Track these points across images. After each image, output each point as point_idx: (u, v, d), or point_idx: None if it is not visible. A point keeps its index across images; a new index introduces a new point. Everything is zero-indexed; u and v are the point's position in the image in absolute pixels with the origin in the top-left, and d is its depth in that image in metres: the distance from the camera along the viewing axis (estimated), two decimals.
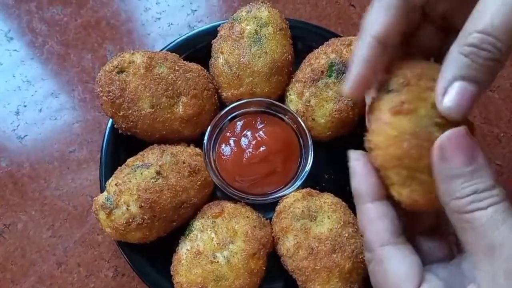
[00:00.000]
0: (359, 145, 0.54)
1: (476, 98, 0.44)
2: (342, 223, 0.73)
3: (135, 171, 0.74)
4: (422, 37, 0.57)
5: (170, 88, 0.78)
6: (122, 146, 0.83)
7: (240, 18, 0.84)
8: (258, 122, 0.84)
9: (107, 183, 0.75)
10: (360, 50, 0.51)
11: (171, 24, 1.04)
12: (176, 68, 0.80)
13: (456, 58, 0.44)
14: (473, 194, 0.43)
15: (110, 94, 0.77)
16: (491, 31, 0.41)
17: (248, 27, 0.83)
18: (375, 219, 0.52)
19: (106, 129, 0.83)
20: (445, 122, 0.46)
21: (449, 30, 0.55)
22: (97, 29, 1.03)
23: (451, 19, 0.55)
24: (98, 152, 0.83)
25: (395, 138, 0.48)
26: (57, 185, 0.91)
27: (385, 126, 0.49)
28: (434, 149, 0.45)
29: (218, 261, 0.71)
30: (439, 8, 0.54)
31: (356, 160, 0.53)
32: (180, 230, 0.77)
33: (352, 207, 0.74)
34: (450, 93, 0.44)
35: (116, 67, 0.78)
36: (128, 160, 0.78)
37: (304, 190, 0.79)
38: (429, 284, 0.49)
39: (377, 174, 0.52)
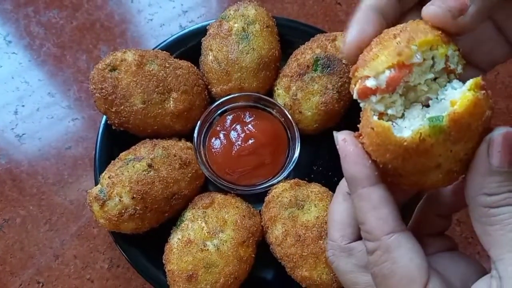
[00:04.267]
0: None
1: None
2: None
3: (128, 164, 0.77)
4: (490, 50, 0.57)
5: (161, 85, 0.81)
6: (115, 141, 0.86)
7: (228, 17, 0.87)
8: (247, 116, 0.87)
9: (100, 176, 0.78)
10: (357, 16, 0.51)
11: (163, 25, 1.07)
12: (167, 65, 0.83)
13: None
14: (508, 193, 0.42)
15: (103, 91, 0.79)
16: None
17: (235, 25, 0.86)
18: (379, 204, 0.47)
19: (100, 126, 0.86)
20: None
21: None
22: (92, 31, 1.06)
23: None
24: (93, 148, 0.85)
25: (379, 147, 0.46)
26: (54, 181, 0.93)
27: (370, 131, 0.46)
28: (483, 142, 0.43)
29: (208, 249, 0.73)
30: None
31: (345, 141, 0.48)
32: (172, 222, 0.79)
33: None
34: None
35: (109, 65, 0.80)
36: (121, 154, 0.80)
37: (292, 181, 0.82)
38: (434, 283, 0.46)
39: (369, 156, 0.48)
